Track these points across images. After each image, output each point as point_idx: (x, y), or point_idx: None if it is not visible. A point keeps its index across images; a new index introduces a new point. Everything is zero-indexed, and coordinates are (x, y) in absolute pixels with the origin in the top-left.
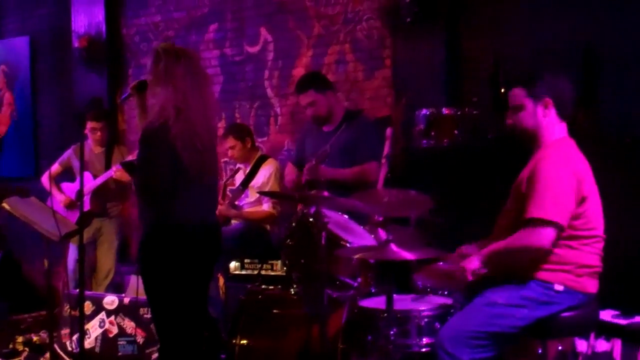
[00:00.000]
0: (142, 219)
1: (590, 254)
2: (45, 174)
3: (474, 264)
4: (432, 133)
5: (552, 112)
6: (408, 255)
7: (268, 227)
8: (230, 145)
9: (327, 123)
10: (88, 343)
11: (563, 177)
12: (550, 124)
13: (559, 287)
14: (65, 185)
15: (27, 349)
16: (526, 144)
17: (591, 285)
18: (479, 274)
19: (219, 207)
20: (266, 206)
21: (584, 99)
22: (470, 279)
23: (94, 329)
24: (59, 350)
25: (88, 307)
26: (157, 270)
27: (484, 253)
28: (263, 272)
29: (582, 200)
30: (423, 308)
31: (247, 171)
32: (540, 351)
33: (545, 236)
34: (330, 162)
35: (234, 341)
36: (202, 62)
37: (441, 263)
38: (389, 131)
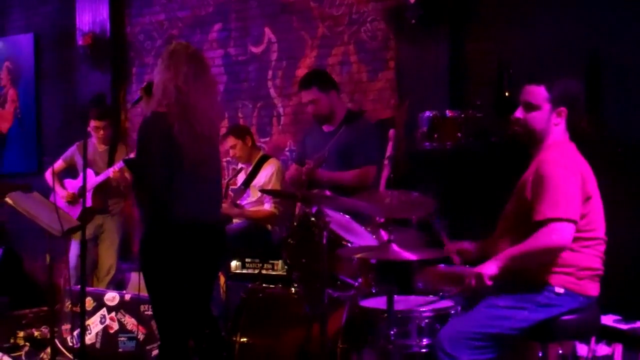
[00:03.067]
0: (141, 215)
1: (591, 256)
2: (49, 170)
3: (491, 269)
4: (435, 135)
5: (563, 122)
6: (409, 256)
7: (269, 226)
8: (231, 144)
9: (327, 122)
10: (89, 339)
11: (569, 176)
12: (557, 132)
13: (559, 290)
14: (67, 181)
15: (28, 344)
16: (526, 142)
17: (592, 288)
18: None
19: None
20: (267, 206)
21: (588, 104)
22: (489, 284)
23: (94, 325)
24: (59, 346)
25: (89, 303)
26: (157, 267)
27: (501, 258)
28: (264, 272)
29: (587, 199)
30: (424, 309)
31: (249, 171)
32: (540, 354)
33: (565, 233)
34: (328, 164)
35: (234, 339)
36: (209, 70)
37: (442, 265)
38: (392, 133)
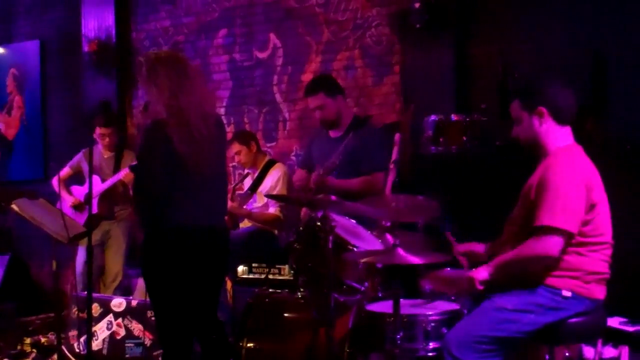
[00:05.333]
0: (141, 222)
1: (598, 260)
2: (55, 177)
3: (482, 274)
4: (441, 139)
5: (549, 121)
6: (415, 260)
7: (276, 231)
8: (235, 151)
9: (334, 128)
10: (95, 345)
11: (572, 184)
12: (548, 132)
13: (566, 293)
14: (74, 188)
15: (34, 350)
16: (532, 152)
17: (599, 292)
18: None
19: (230, 204)
20: (272, 209)
21: (593, 107)
22: (480, 289)
23: (101, 331)
24: (66, 352)
25: (96, 309)
26: (158, 273)
27: (493, 264)
28: (270, 277)
29: (591, 207)
30: (430, 312)
31: (255, 176)
32: (547, 357)
33: (553, 244)
34: (336, 171)
35: (240, 344)
36: (187, 66)
37: (449, 269)
38: (397, 137)
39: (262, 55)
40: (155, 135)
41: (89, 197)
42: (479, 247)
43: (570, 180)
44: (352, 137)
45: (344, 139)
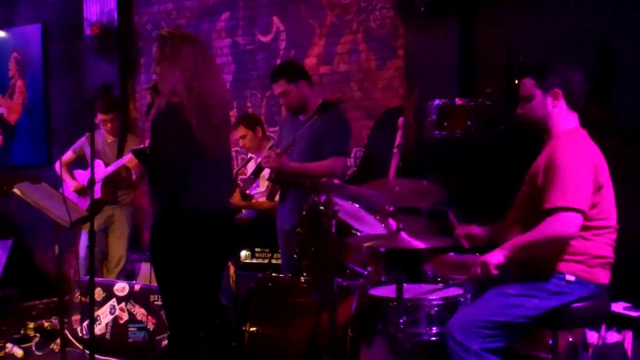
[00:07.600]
0: (153, 204)
1: (603, 244)
2: (58, 161)
3: (497, 258)
4: (445, 124)
5: (562, 103)
6: (419, 244)
7: None
8: (241, 134)
9: (301, 113)
10: (98, 329)
11: (581, 165)
12: (559, 115)
13: (570, 278)
14: (77, 172)
15: (38, 334)
16: (537, 133)
17: (603, 276)
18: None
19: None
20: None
21: (598, 91)
22: (494, 273)
23: (104, 315)
24: (69, 336)
25: (99, 293)
26: (168, 256)
27: (508, 247)
28: (273, 261)
29: (598, 189)
30: (433, 297)
31: (259, 160)
32: (550, 342)
33: (571, 223)
34: (297, 153)
35: (243, 328)
36: (209, 49)
37: (452, 254)
38: (401, 121)
39: (265, 38)
40: (171, 119)
41: (91, 181)
42: (477, 230)
43: (579, 161)
44: (316, 119)
45: (308, 122)
